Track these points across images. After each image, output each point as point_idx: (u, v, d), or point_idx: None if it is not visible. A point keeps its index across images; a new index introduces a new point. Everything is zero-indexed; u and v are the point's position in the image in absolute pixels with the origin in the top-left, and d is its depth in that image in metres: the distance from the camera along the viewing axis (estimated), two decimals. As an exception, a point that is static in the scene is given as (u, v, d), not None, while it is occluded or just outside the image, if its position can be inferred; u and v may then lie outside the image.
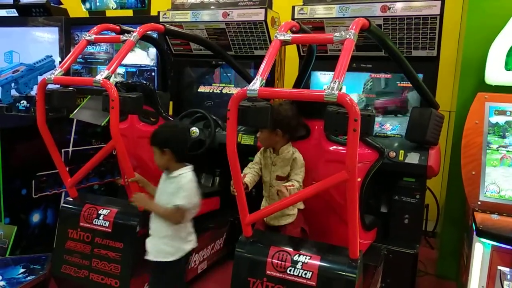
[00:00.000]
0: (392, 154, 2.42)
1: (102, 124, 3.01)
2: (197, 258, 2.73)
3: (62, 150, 2.77)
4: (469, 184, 2.26)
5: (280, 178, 2.01)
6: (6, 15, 3.94)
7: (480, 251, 2.02)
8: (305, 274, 1.73)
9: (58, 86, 2.20)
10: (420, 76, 2.39)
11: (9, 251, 2.93)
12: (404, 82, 2.65)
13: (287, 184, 1.92)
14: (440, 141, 2.45)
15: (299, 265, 1.74)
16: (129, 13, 3.58)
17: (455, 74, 3.10)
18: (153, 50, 3.41)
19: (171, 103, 3.31)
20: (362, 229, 2.16)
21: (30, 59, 3.21)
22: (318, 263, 1.73)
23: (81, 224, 2.27)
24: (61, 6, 3.87)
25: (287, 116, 1.94)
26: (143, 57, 3.48)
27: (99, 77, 2.01)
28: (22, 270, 2.73)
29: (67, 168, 2.38)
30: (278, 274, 1.76)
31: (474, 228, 2.02)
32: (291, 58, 3.26)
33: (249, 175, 2.02)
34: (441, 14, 2.42)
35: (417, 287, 2.57)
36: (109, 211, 2.24)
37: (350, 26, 1.68)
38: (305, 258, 1.75)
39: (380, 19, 2.53)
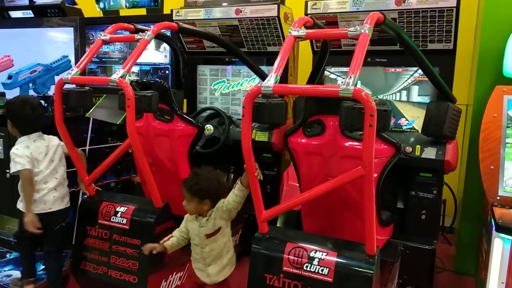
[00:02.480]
0: (408, 149, 2.39)
1: (118, 123, 3.04)
2: (213, 255, 2.75)
3: (79, 149, 2.81)
4: (487, 178, 2.22)
5: (209, 235, 1.96)
6: (22, 16, 4.01)
7: (500, 247, 1.99)
8: (322, 270, 1.72)
9: (74, 85, 2.23)
10: (437, 69, 2.35)
11: (29, 248, 2.99)
12: (420, 76, 2.62)
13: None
14: (457, 135, 2.42)
15: (315, 261, 1.74)
16: (142, 11, 3.61)
17: (472, 67, 3.05)
18: (166, 48, 3.43)
19: (185, 100, 3.33)
20: (379, 225, 2.15)
21: (46, 59, 3.26)
22: (335, 259, 1.72)
23: (99, 221, 2.30)
24: (75, 6, 3.92)
25: (215, 187, 1.94)
26: (157, 55, 3.50)
27: (115, 76, 2.03)
28: (42, 267, 2.79)
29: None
30: (294, 270, 1.77)
31: (493, 223, 1.99)
32: (304, 53, 3.25)
33: (174, 238, 2.01)
34: (458, 6, 2.37)
35: (435, 283, 2.54)
36: (126, 208, 2.27)
37: (365, 21, 1.67)
38: (322, 254, 1.75)
39: (395, 12, 2.50)
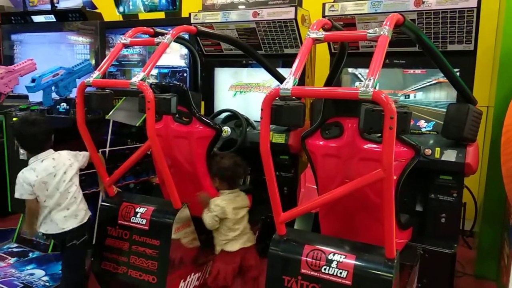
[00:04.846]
0: (428, 151, 2.37)
1: (137, 125, 3.09)
2: (230, 256, 2.77)
3: (100, 150, 2.86)
4: (510, 181, 2.18)
5: None
6: (44, 20, 4.10)
7: (523, 252, 1.96)
8: (340, 273, 1.72)
9: (95, 88, 2.28)
10: (457, 71, 2.32)
11: (51, 248, 3.06)
12: (440, 78, 2.58)
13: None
14: (477, 138, 2.38)
15: (334, 264, 1.74)
16: (161, 15, 3.65)
17: (493, 67, 2.99)
18: (184, 51, 3.47)
19: (202, 103, 3.36)
20: (398, 228, 2.12)
21: (67, 63, 3.33)
22: (354, 262, 1.72)
23: (119, 221, 2.34)
24: (96, 10, 3.99)
25: (224, 168, 2.29)
26: (175, 58, 3.54)
27: (135, 79, 2.06)
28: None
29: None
30: (312, 273, 1.76)
31: (516, 227, 1.96)
32: (320, 55, 3.24)
33: None
34: (478, 7, 2.34)
35: (455, 288, 2.50)
36: (146, 209, 2.30)
37: (384, 22, 1.66)
38: (340, 257, 1.74)
39: (414, 13, 2.47)
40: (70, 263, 2.32)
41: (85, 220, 2.29)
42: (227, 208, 2.23)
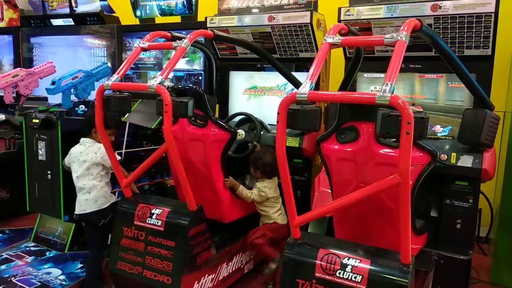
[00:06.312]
0: (444, 156, 2.35)
1: (153, 127, 3.13)
2: (243, 258, 2.78)
3: (116, 152, 2.91)
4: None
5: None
6: (63, 24, 4.19)
7: (540, 259, 1.93)
8: (355, 277, 1.72)
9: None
10: (474, 76, 2.31)
11: (67, 247, 3.12)
12: (456, 83, 2.57)
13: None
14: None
15: (348, 268, 1.74)
16: (177, 19, 3.70)
17: (510, 72, 2.96)
18: (200, 55, 3.51)
19: (217, 106, 3.39)
20: (413, 233, 2.11)
21: (84, 65, 3.40)
22: (369, 267, 1.71)
23: (135, 222, 2.38)
24: (113, 14, 4.05)
25: (265, 163, 2.66)
26: (190, 62, 3.58)
27: (153, 82, 2.09)
28: (80, 265, 2.89)
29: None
30: (327, 277, 1.77)
31: (533, 234, 1.93)
32: (334, 60, 3.25)
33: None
34: (496, 12, 2.32)
35: (470, 295, 2.48)
36: (161, 210, 2.33)
37: (402, 27, 1.66)
38: (355, 262, 1.74)
39: (431, 18, 2.47)
40: (107, 233, 2.60)
41: (104, 206, 2.54)
42: (270, 189, 2.68)
